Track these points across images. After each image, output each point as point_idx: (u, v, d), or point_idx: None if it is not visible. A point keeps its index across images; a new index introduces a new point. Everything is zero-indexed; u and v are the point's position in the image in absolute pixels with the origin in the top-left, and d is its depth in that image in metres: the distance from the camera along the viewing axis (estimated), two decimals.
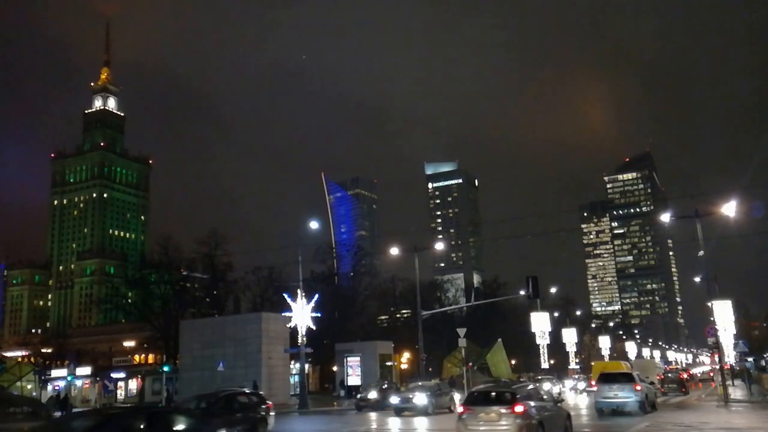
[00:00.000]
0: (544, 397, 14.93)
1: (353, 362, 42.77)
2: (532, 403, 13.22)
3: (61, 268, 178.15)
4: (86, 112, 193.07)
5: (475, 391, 15.13)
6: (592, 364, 49.77)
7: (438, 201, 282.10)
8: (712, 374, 59.37)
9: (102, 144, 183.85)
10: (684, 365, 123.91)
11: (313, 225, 38.58)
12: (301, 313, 32.91)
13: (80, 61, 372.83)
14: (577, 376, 54.21)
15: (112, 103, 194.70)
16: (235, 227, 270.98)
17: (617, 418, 21.57)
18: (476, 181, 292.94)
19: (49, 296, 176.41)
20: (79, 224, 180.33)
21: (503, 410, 12.63)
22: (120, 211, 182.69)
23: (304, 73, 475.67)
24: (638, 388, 23.05)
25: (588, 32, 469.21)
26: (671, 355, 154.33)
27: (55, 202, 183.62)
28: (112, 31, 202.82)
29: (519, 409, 12.54)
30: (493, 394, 13.72)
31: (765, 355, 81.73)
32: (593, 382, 27.99)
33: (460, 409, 14.00)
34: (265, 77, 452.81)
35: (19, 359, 75.21)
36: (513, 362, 71.12)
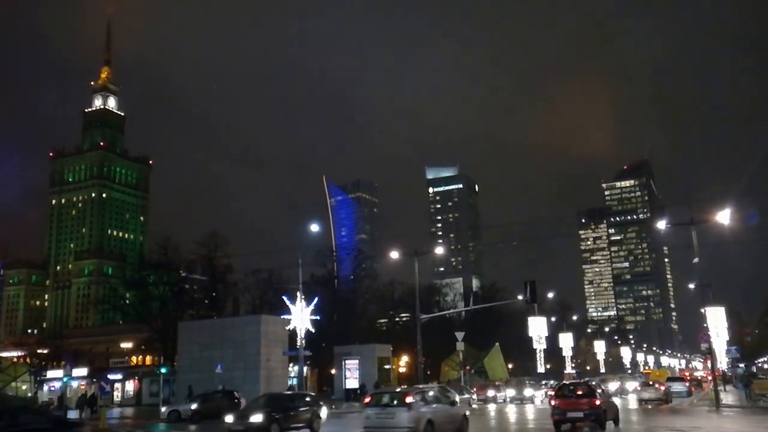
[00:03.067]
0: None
1: (352, 365, 43.01)
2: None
3: (58, 268, 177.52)
4: (86, 111, 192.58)
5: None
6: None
7: (438, 205, 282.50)
8: (708, 378, 61.31)
9: (102, 143, 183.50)
10: (678, 370, 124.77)
11: (314, 228, 38.79)
12: (301, 316, 33.22)
13: (80, 60, 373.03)
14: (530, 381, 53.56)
15: (112, 103, 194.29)
16: (236, 229, 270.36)
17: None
18: (476, 186, 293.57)
19: (46, 296, 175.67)
20: (77, 224, 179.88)
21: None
22: (119, 212, 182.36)
23: (306, 76, 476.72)
24: (687, 383, 44.46)
25: (588, 40, 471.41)
26: (665, 360, 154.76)
27: (54, 201, 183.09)
28: (113, 30, 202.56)
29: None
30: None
31: (756, 361, 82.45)
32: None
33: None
34: (268, 79, 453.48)
35: (15, 360, 75.14)
36: (510, 366, 71.48)
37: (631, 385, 49.98)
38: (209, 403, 29.17)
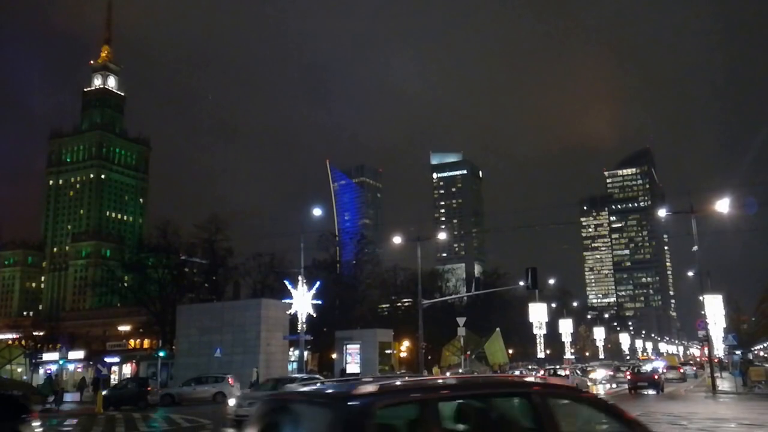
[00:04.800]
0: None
1: (353, 350, 42.98)
2: None
3: (55, 249, 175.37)
4: (85, 90, 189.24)
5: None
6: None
7: (442, 191, 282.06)
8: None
9: (101, 123, 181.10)
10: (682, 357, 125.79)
11: (317, 212, 38.35)
12: (302, 300, 33.13)
13: (81, 38, 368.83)
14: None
15: (112, 82, 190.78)
16: (237, 212, 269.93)
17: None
18: (480, 172, 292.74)
19: (42, 278, 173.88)
20: (75, 205, 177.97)
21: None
22: (118, 193, 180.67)
23: (311, 61, 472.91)
24: (695, 368, 57.75)
25: (591, 28, 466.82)
26: (663, 347, 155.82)
27: (51, 182, 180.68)
28: (114, 8, 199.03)
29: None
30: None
31: (753, 349, 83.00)
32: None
33: None
34: (272, 60, 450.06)
35: (10, 342, 74.82)
36: (510, 351, 71.75)
37: None
38: (118, 390, 29.90)
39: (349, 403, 3.42)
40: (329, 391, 4.16)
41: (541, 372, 43.67)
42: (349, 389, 3.59)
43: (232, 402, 20.13)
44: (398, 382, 4.02)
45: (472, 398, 3.90)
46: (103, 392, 29.52)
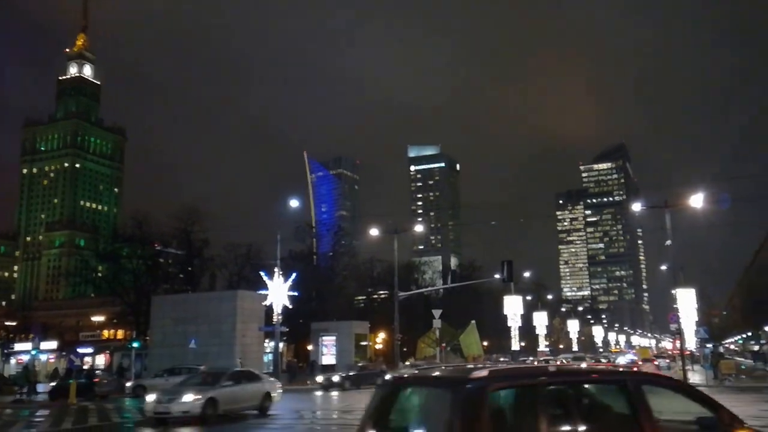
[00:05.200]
0: None
1: (328, 341, 42.88)
2: None
3: (28, 238, 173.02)
4: (60, 78, 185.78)
5: None
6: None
7: (420, 184, 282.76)
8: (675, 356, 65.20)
9: (76, 112, 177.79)
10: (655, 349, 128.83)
11: (294, 203, 38.07)
12: (278, 292, 32.90)
13: (56, 26, 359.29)
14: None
15: (87, 71, 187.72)
16: (213, 203, 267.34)
17: None
18: (458, 165, 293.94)
19: (15, 267, 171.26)
20: (48, 194, 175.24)
21: None
22: (92, 183, 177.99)
23: (289, 51, 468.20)
24: (668, 360, 53.45)
25: (569, 25, 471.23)
26: (636, 339, 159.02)
27: (25, 170, 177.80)
28: None
29: None
30: None
31: (723, 342, 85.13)
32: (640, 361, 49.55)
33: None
34: (249, 52, 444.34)
35: None
36: (485, 344, 72.35)
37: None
38: (66, 383, 29.86)
39: (467, 386, 3.88)
40: (448, 375, 4.69)
41: (626, 359, 46.88)
42: (467, 374, 4.06)
43: (150, 398, 16.84)
44: (506, 368, 4.61)
45: (572, 384, 4.31)
46: (51, 384, 29.40)
